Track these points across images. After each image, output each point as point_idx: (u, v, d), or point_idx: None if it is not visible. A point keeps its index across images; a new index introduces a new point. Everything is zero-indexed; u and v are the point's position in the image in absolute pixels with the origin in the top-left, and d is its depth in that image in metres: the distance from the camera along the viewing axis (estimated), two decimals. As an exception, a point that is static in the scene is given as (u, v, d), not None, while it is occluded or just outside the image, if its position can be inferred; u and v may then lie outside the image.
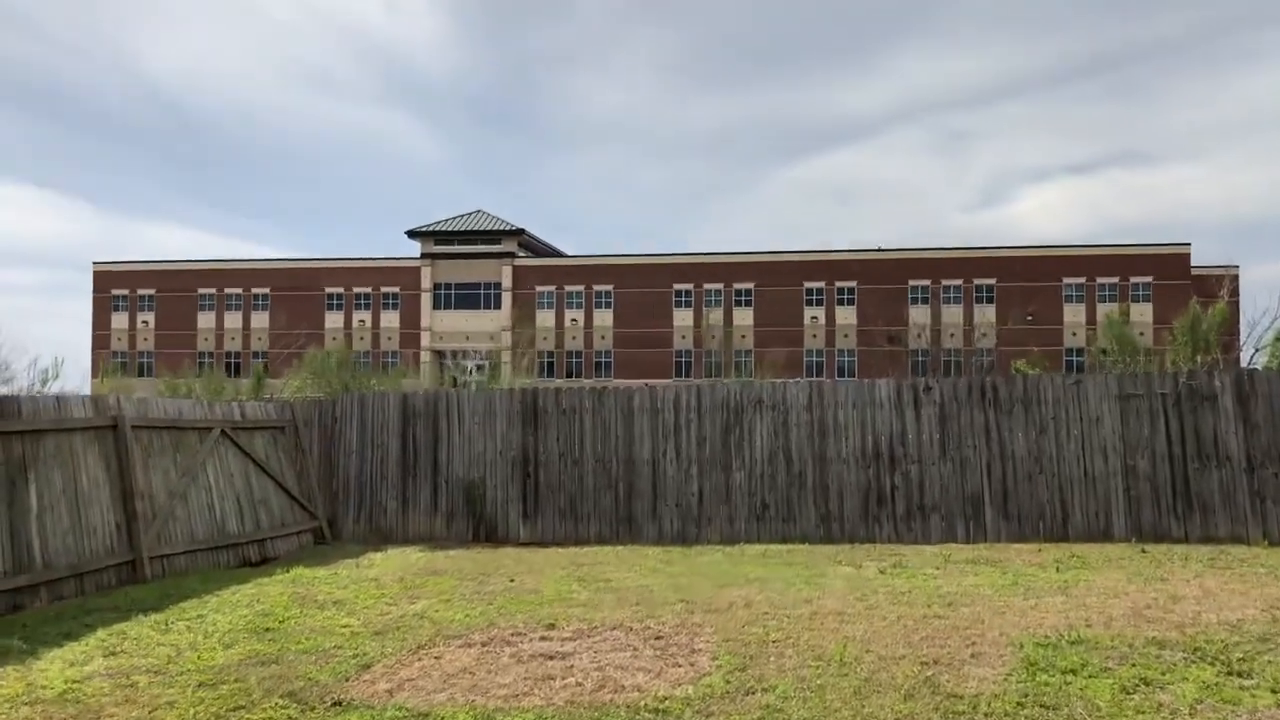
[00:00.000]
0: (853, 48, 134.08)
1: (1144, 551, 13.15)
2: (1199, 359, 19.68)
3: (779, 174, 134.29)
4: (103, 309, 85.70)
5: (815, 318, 77.57)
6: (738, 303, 78.51)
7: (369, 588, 11.87)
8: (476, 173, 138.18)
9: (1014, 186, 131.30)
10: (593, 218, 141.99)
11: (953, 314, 75.07)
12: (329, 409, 17.16)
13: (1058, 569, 11.83)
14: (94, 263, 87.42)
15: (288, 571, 13.18)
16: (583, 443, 16.14)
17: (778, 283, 77.64)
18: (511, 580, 12.13)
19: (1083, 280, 73.63)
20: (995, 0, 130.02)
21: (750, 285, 78.36)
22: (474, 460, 16.42)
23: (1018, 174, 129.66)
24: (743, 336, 77.25)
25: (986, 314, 74.31)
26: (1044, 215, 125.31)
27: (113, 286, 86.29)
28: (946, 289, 76.02)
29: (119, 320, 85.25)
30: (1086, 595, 10.17)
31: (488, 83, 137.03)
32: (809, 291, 77.71)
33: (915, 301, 75.55)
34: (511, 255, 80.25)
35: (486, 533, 16.25)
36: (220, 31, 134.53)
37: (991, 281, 75.60)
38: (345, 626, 9.77)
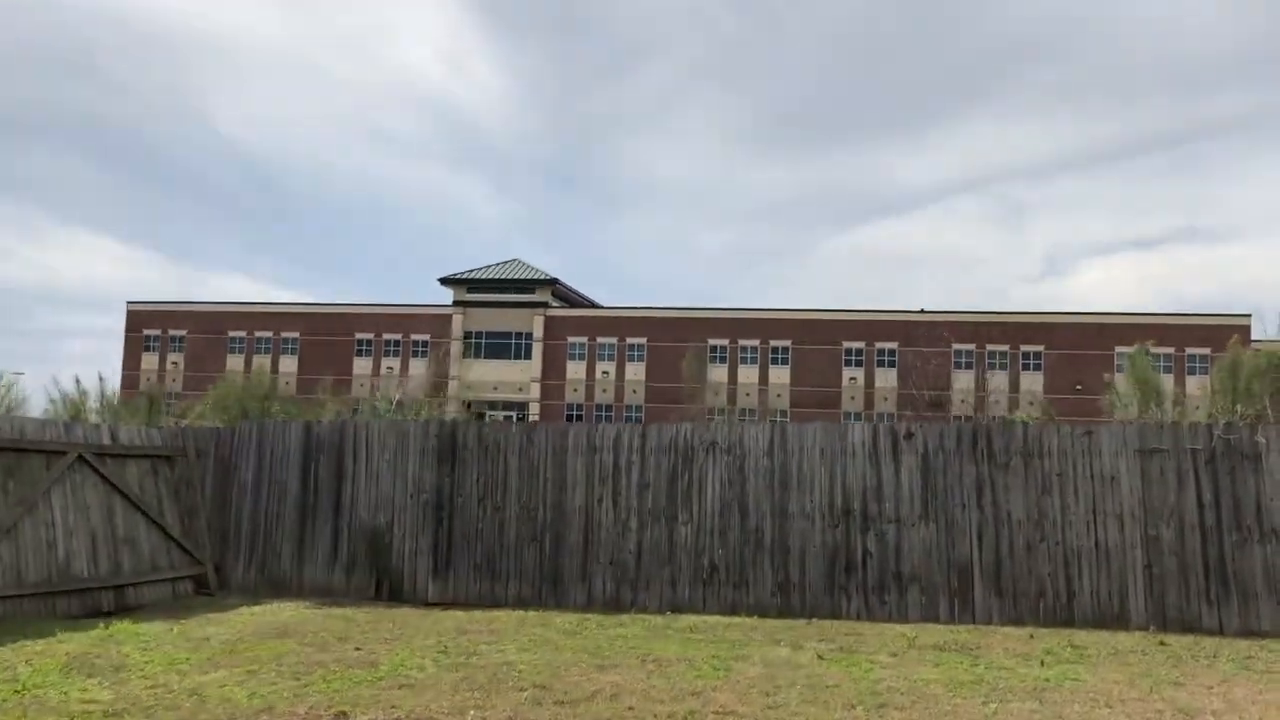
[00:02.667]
0: (914, 118, 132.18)
1: (1163, 644, 10.48)
2: (1239, 409, 16.92)
3: (836, 241, 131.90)
4: (134, 349, 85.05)
5: (854, 379, 74.75)
6: (774, 361, 75.99)
7: (182, 651, 9.59)
8: (535, 232, 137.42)
9: (1076, 259, 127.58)
10: (649, 280, 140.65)
11: (998, 380, 71.77)
12: (226, 438, 15.01)
13: (1043, 663, 9.23)
14: (128, 302, 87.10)
15: (108, 627, 10.93)
16: (506, 486, 13.81)
17: (816, 342, 75.05)
18: (359, 649, 9.78)
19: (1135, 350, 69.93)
20: (1059, 74, 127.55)
21: (787, 343, 75.81)
22: (381, 503, 14.13)
23: (1080, 247, 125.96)
24: (778, 396, 74.52)
25: (1033, 382, 71.03)
26: (1106, 289, 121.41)
27: (145, 326, 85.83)
28: (992, 354, 72.94)
29: (149, 360, 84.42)
30: (1069, 702, 7.61)
31: (550, 144, 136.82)
32: (848, 352, 75.04)
33: (959, 366, 72.39)
34: (544, 305, 78.53)
35: (390, 589, 13.90)
36: (291, 92, 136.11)
37: (1039, 349, 72.50)
38: (88, 703, 7.51)
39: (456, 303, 79.91)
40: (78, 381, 20.08)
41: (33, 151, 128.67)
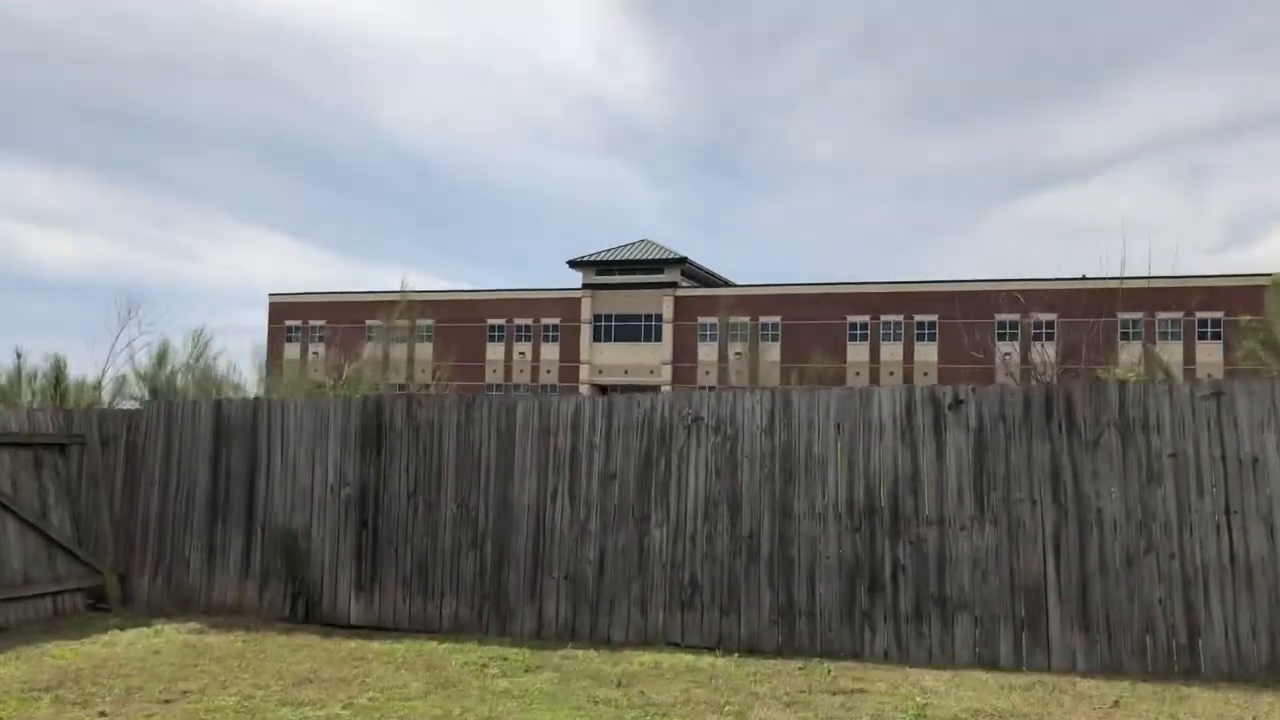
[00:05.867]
0: (1080, 81, 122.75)
1: (1329, 722, 6.66)
2: None
3: (1004, 212, 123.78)
4: (277, 340, 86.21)
5: (1008, 354, 68.84)
6: (919, 336, 71.14)
7: (-123, 710, 6.98)
8: (689, 220, 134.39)
9: (1264, 224, 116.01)
10: (805, 263, 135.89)
11: (1171, 351, 65.00)
12: (138, 422, 12.51)
13: (1108, 767, 5.63)
14: (270, 295, 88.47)
15: None
16: (441, 476, 10.80)
17: (965, 315, 69.56)
18: (104, 714, 6.96)
19: (1334, 311, 61.98)
20: (1240, 26, 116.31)
21: (933, 318, 70.72)
22: (298, 499, 11.35)
23: (1268, 212, 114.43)
24: (925, 374, 69.48)
25: (1211, 352, 64.15)
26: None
27: (286, 318, 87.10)
28: (1163, 323, 66.28)
29: (291, 350, 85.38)
30: None
31: (704, 129, 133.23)
32: (1001, 325, 69.29)
33: (1126, 337, 65.76)
34: (674, 285, 75.47)
35: (308, 607, 11.10)
36: (455, 93, 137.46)
37: (1218, 315, 65.36)
38: None
39: (585, 285, 77.81)
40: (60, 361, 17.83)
41: (216, 159, 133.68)
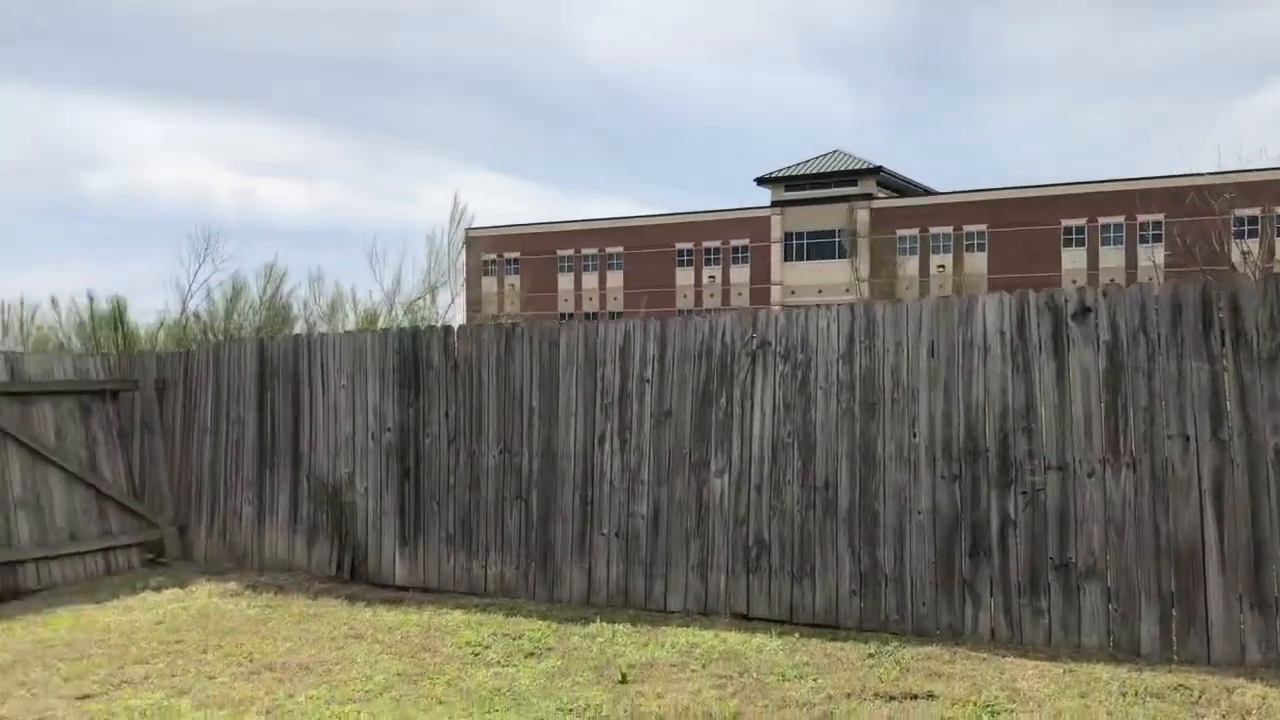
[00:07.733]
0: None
1: None
2: None
3: (1247, 103, 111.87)
4: (474, 273, 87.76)
5: (1247, 251, 62.16)
6: (1143, 239, 64.86)
7: None
8: (895, 129, 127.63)
9: None
10: (1020, 169, 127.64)
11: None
12: (193, 366, 11.70)
13: None
14: (467, 229, 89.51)
15: None
16: (481, 419, 9.43)
17: (1194, 213, 63.02)
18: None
19: None
20: None
21: (1159, 218, 64.20)
22: (341, 446, 10.23)
23: None
24: (1149, 280, 63.47)
25: None
26: None
27: (482, 251, 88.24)
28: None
29: (489, 284, 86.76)
30: None
31: (909, 34, 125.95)
32: (1239, 221, 62.27)
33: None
34: (869, 197, 71.66)
35: (354, 564, 10.04)
36: (650, 14, 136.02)
37: None
38: None
39: (775, 203, 75.04)
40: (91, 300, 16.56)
41: (430, 101, 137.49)
